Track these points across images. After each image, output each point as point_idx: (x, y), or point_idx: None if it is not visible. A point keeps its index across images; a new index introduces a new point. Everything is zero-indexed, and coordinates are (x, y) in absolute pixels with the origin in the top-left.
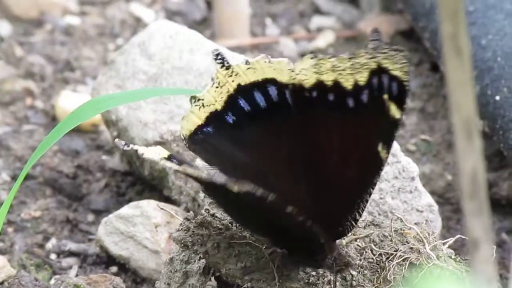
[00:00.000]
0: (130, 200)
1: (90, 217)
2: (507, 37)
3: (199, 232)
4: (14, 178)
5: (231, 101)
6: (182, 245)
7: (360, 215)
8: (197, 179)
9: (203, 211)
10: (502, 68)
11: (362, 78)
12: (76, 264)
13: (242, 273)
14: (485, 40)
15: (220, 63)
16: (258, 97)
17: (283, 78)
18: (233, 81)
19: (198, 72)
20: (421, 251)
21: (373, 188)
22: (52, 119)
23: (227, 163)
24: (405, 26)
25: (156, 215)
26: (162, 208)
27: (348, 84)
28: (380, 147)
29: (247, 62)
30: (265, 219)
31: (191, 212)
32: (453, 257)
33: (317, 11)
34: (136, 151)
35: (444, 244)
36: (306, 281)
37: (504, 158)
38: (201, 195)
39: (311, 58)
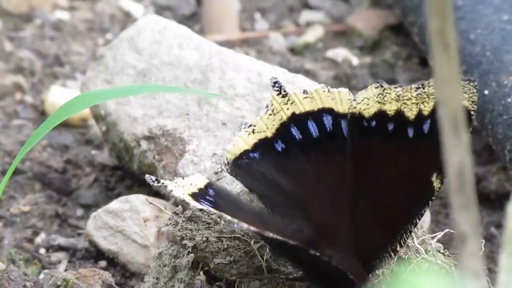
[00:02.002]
0: (119, 195)
1: (79, 212)
2: (495, 32)
3: (188, 227)
4: (3, 172)
5: (282, 129)
6: (171, 239)
7: (401, 247)
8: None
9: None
10: (490, 63)
11: (427, 107)
12: (65, 258)
13: (230, 267)
14: (473, 34)
15: (277, 90)
16: (312, 126)
17: (341, 108)
18: (288, 109)
19: (187, 67)
20: (409, 245)
21: (419, 219)
22: (41, 114)
23: (268, 190)
24: (394, 21)
25: (145, 209)
26: (151, 203)
27: (411, 113)
28: (434, 177)
29: (304, 92)
30: (293, 257)
31: (180, 206)
32: (441, 251)
33: (306, 5)
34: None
35: (432, 238)
36: (295, 274)
37: (493, 152)
38: None
39: (376, 87)
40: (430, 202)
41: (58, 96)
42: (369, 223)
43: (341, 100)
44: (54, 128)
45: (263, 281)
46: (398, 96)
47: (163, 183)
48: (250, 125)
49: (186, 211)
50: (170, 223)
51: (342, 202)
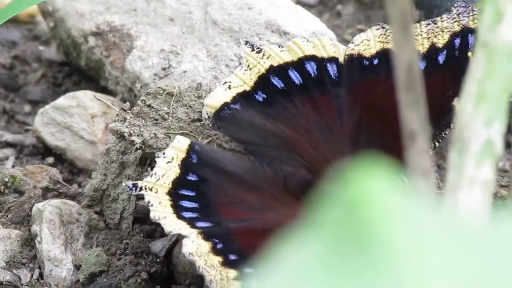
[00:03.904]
0: (66, 91)
1: (27, 108)
2: None
3: (136, 123)
4: None
5: (262, 81)
6: (119, 135)
7: None
8: None
9: (139, 102)
10: None
11: (441, 40)
12: (12, 155)
13: None
14: None
15: (250, 47)
16: (294, 74)
17: (325, 53)
18: (265, 62)
19: None
20: None
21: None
22: None
23: (256, 136)
24: None
25: (92, 105)
26: (98, 99)
27: (422, 48)
28: (456, 101)
29: (280, 46)
30: None
31: (128, 102)
32: None
33: None
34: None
35: None
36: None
37: None
38: (138, 85)
39: (377, 29)
40: (451, 125)
41: None
42: (377, 150)
43: (324, 46)
44: (1, 25)
45: None
46: None
47: (141, 188)
48: (226, 82)
49: (134, 107)
50: (117, 119)
51: (335, 141)
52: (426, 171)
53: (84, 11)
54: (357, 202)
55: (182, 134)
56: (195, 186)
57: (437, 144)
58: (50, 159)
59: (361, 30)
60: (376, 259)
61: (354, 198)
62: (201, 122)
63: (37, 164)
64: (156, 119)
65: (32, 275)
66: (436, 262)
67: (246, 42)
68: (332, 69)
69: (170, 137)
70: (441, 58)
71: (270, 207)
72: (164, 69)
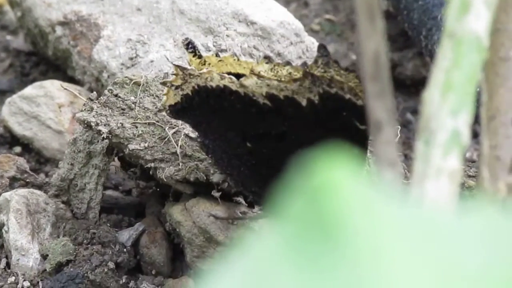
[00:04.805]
0: (34, 80)
1: None
2: None
3: (103, 113)
4: None
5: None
6: (86, 125)
7: None
8: None
9: (106, 91)
10: None
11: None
12: None
13: (145, 153)
14: None
15: (192, 52)
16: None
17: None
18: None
19: None
20: None
21: None
22: None
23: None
24: None
25: (59, 95)
26: (65, 88)
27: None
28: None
29: (217, 55)
30: None
31: (95, 92)
32: None
33: None
34: None
35: None
36: (210, 162)
37: (409, 38)
38: (105, 75)
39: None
40: None
41: None
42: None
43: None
44: None
45: (177, 166)
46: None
47: None
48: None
49: (101, 97)
50: (84, 109)
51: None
52: (393, 161)
53: (51, 1)
54: (321, 192)
55: (148, 124)
56: None
57: None
58: (18, 149)
59: (329, 20)
60: (340, 250)
61: (318, 188)
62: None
63: (4, 153)
64: (123, 109)
65: None
66: (402, 253)
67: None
68: None
69: (137, 127)
70: None
71: None
72: (131, 58)
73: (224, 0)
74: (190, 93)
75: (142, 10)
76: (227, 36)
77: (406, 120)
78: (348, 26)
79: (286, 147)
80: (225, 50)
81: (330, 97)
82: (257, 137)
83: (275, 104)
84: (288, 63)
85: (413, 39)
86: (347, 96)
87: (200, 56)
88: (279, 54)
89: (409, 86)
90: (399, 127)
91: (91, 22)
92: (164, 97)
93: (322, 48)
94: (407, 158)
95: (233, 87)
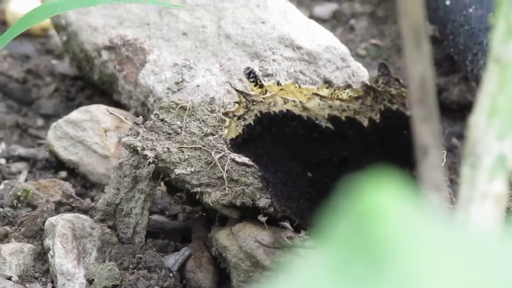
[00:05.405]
0: (79, 105)
1: (40, 122)
2: None
3: (149, 137)
4: None
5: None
6: (132, 150)
7: None
8: None
9: (152, 116)
10: None
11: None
12: (25, 169)
13: (191, 178)
14: None
15: (253, 81)
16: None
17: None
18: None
19: None
20: None
21: None
22: (2, 24)
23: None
24: None
25: (105, 119)
26: (111, 113)
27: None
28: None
29: (278, 83)
30: None
31: (141, 116)
32: None
33: None
34: None
35: None
36: (256, 186)
37: (454, 63)
38: (151, 99)
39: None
40: None
41: (19, 6)
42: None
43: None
44: (15, 38)
45: (224, 191)
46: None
47: None
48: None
49: (147, 121)
50: (130, 134)
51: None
52: (438, 185)
53: (97, 25)
54: (368, 216)
55: (195, 148)
56: None
57: None
58: (63, 173)
59: (375, 45)
60: (387, 274)
61: (365, 212)
62: (214, 137)
63: (50, 178)
64: (169, 133)
65: None
66: (448, 277)
67: (249, 74)
68: None
69: (183, 152)
70: None
71: None
72: (177, 83)
73: (270, 25)
74: (252, 122)
75: (188, 35)
76: (274, 60)
77: (452, 145)
78: (394, 51)
79: (345, 173)
80: (272, 75)
81: (391, 115)
82: (318, 166)
83: (337, 127)
84: (348, 86)
85: (459, 64)
86: (408, 113)
87: (261, 86)
88: (325, 79)
89: (455, 111)
90: (445, 151)
91: (137, 47)
92: (226, 130)
93: (383, 66)
94: (453, 183)
95: (296, 111)
